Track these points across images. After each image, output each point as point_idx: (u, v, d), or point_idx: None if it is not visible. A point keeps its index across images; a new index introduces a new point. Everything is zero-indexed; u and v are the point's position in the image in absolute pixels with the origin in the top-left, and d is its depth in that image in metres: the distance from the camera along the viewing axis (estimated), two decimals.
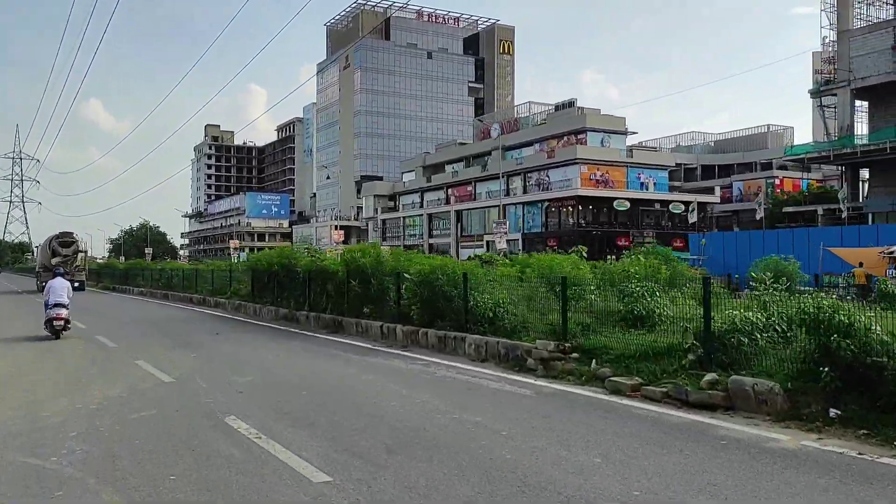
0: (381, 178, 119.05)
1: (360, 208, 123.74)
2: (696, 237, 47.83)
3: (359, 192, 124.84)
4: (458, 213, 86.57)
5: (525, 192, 78.97)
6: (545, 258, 15.62)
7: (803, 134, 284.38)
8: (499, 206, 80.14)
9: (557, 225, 72.09)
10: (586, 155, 72.43)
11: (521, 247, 74.02)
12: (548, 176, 76.57)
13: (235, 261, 72.42)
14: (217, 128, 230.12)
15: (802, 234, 42.70)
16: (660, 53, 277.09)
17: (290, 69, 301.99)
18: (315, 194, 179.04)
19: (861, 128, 52.80)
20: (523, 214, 75.95)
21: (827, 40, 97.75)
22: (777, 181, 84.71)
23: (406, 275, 14.91)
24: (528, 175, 79.77)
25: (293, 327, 18.41)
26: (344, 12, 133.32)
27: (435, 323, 13.86)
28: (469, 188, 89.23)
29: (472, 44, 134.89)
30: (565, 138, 78.03)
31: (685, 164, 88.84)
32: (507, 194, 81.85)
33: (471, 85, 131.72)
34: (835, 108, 54.38)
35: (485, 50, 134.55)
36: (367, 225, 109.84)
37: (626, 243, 69.60)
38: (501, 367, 11.51)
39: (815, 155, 53.24)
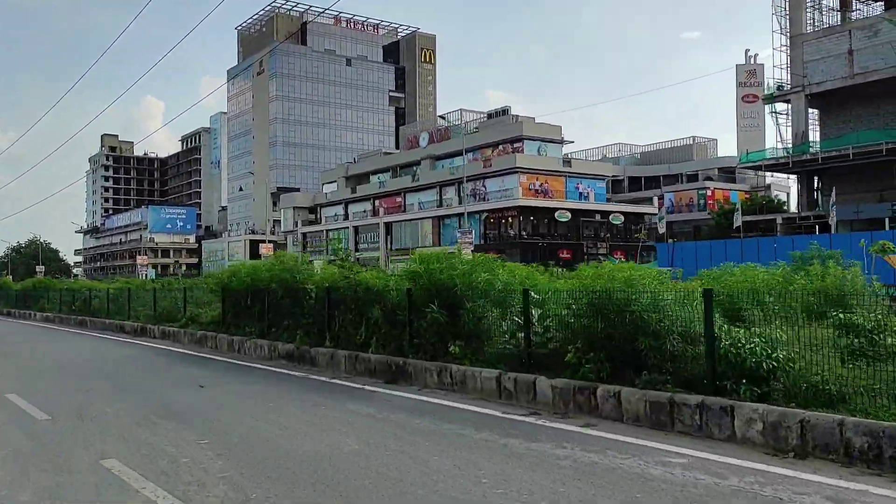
0: (297, 190, 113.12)
1: (276, 221, 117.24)
2: (664, 246, 45.15)
3: (275, 204, 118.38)
4: (388, 226, 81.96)
5: (460, 202, 75.20)
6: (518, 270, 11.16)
7: (727, 146, 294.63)
8: (432, 217, 76.34)
9: (497, 237, 68.61)
10: (525, 164, 69.44)
11: None
12: (484, 186, 73.17)
13: (143, 278, 65.34)
14: (115, 138, 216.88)
15: (768, 244, 40.91)
16: (559, 76, 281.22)
17: (189, 80, 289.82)
18: (224, 208, 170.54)
19: (813, 135, 51.72)
20: (460, 226, 71.99)
21: (750, 57, 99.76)
22: (709, 192, 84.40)
23: (535, 293, 9.67)
24: (463, 185, 76.07)
25: (311, 372, 12.56)
26: (256, 16, 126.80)
27: (623, 375, 8.16)
28: (398, 199, 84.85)
29: (391, 52, 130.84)
30: (500, 147, 74.85)
31: (612, 176, 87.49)
32: (440, 205, 78.11)
33: (391, 94, 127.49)
34: (786, 114, 53.12)
35: (405, 58, 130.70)
36: (286, 239, 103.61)
37: (568, 255, 67.01)
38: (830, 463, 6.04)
39: (773, 162, 51.76)
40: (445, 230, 74.47)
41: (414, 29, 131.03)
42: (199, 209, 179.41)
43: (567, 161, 72.94)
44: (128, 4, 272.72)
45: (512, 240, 66.96)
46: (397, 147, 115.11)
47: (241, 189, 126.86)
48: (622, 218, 71.07)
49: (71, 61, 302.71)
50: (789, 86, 51.55)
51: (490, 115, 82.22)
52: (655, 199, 75.41)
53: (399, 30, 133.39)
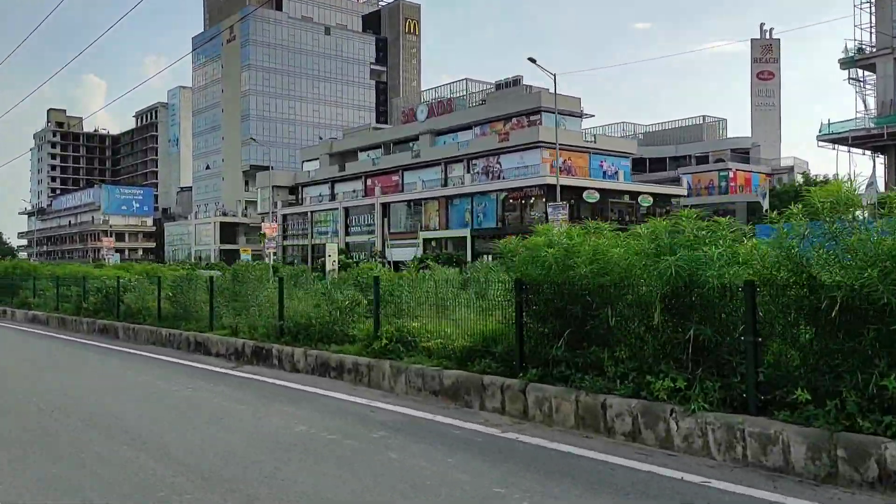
0: (270, 169, 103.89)
1: (249, 202, 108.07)
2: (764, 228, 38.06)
3: (247, 183, 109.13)
4: (385, 207, 73.89)
5: (470, 181, 67.65)
6: None
7: (738, 126, 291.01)
8: (439, 197, 68.75)
9: (519, 219, 61.19)
10: (549, 138, 62.00)
11: (469, 246, 62.91)
12: (499, 163, 65.70)
13: (109, 263, 56.17)
14: (62, 113, 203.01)
15: None
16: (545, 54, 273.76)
17: (135, 57, 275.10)
18: (184, 188, 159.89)
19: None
20: (472, 207, 64.52)
21: (766, 31, 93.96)
22: (731, 174, 78.50)
23: None
24: (473, 162, 68.56)
25: None
26: None
27: None
28: (395, 178, 76.85)
29: (371, 22, 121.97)
30: (514, 120, 67.43)
31: (636, 155, 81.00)
32: (445, 184, 70.46)
33: (373, 67, 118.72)
34: (863, 83, 46.69)
35: (387, 29, 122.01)
36: (263, 221, 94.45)
37: None
38: None
39: (863, 133, 45.25)
40: (454, 211, 66.92)
41: None
42: (156, 190, 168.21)
43: (592, 136, 65.76)
44: None
45: (536, 222, 59.55)
46: (378, 122, 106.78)
47: (208, 167, 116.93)
48: (651, 200, 64.38)
49: (16, 36, 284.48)
50: (874, 49, 45.19)
51: (499, 86, 74.59)
52: (684, 180, 69.00)
53: None
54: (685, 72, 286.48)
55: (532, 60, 36.16)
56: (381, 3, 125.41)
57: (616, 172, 65.82)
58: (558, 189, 48.76)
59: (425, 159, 72.81)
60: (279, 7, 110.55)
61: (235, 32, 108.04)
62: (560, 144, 62.60)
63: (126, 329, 15.91)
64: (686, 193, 68.48)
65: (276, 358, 11.06)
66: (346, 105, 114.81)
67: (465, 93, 76.85)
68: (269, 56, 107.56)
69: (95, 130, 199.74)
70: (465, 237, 64.10)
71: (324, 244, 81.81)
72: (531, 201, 61.33)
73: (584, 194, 59.90)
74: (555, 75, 37.66)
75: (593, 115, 67.86)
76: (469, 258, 57.16)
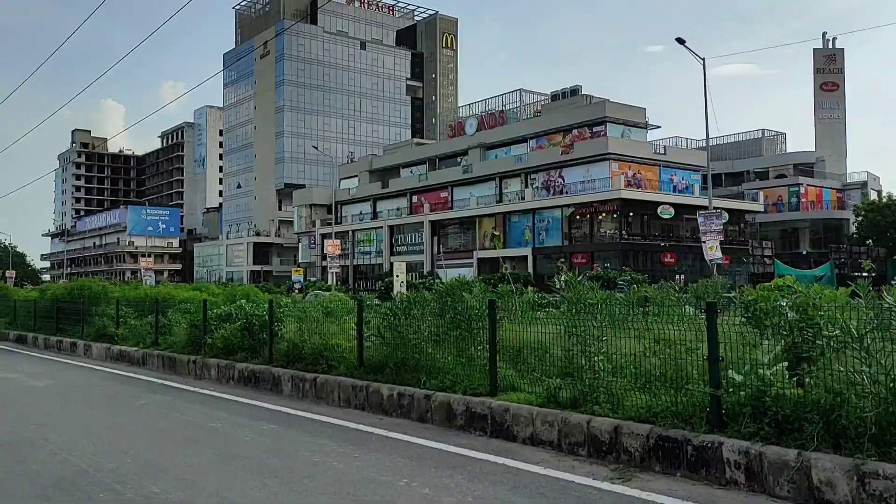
0: (304, 187, 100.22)
1: (281, 222, 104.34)
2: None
3: (280, 202, 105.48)
4: (435, 225, 69.64)
5: (527, 196, 63.32)
6: None
7: (799, 140, 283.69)
8: (495, 214, 64.48)
9: (588, 237, 56.68)
10: (619, 150, 57.74)
11: (531, 265, 58.42)
12: (561, 177, 61.28)
13: (146, 285, 52.11)
14: (87, 133, 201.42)
15: None
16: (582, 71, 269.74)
17: (152, 82, 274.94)
18: (210, 209, 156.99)
19: None
20: (533, 224, 60.07)
21: (828, 40, 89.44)
22: (802, 189, 73.64)
23: None
24: (532, 176, 64.23)
25: None
26: None
27: None
28: (444, 194, 72.63)
29: (406, 37, 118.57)
30: (575, 132, 63.11)
31: (706, 168, 76.43)
32: (500, 200, 66.19)
33: (409, 82, 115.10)
34: None
35: (424, 44, 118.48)
36: (300, 242, 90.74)
37: (672, 260, 55.54)
38: None
39: None
40: (512, 228, 62.50)
41: (433, 12, 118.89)
42: (182, 210, 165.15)
43: (662, 148, 61.29)
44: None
45: (607, 240, 55.08)
46: (413, 139, 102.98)
47: (239, 186, 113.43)
48: (727, 216, 59.48)
49: (37, 58, 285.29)
50: None
51: (555, 97, 70.51)
52: (761, 195, 64.24)
53: (416, 12, 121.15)
54: (717, 88, 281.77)
55: (680, 41, 31.84)
56: (416, 17, 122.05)
57: (687, 187, 61.22)
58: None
59: (478, 174, 68.59)
60: (314, 21, 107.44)
61: (270, 48, 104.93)
62: (629, 156, 58.41)
63: (296, 381, 10.49)
64: (763, 209, 63.74)
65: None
66: (381, 121, 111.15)
67: (517, 104, 72.73)
68: (303, 71, 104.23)
69: (120, 151, 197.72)
70: (526, 256, 59.65)
71: (367, 264, 78.14)
72: (600, 217, 56.82)
73: (659, 210, 55.32)
74: (704, 60, 33.28)
75: (659, 126, 63.46)
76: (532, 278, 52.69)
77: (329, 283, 42.60)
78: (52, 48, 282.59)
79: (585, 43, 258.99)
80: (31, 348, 20.23)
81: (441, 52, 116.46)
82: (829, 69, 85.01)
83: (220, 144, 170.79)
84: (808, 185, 73.80)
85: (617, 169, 57.57)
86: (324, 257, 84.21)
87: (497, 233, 60.23)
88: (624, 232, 53.98)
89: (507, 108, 73.34)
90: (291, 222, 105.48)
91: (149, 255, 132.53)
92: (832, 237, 69.83)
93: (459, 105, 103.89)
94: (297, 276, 54.01)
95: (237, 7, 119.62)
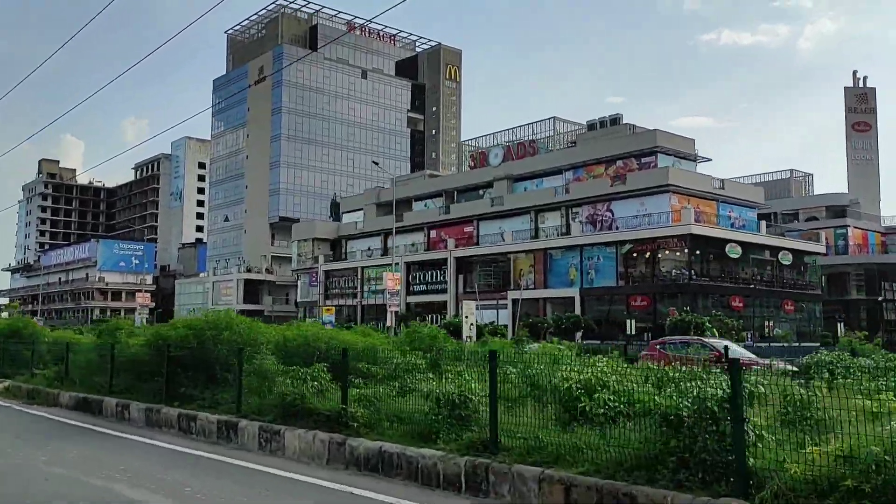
0: (298, 221, 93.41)
1: (274, 258, 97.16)
2: None
3: (273, 237, 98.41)
4: (461, 262, 63.40)
5: (567, 231, 57.60)
6: None
7: (827, 181, 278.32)
8: (531, 251, 58.51)
9: (649, 276, 50.83)
10: (680, 181, 52.44)
11: (579, 306, 52.31)
12: (610, 210, 55.66)
13: (141, 324, 44.65)
14: (55, 164, 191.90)
15: None
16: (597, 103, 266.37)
17: (109, 118, 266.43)
18: (184, 245, 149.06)
19: None
20: (581, 262, 54.11)
21: (859, 79, 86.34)
22: (850, 232, 69.12)
23: None
24: (574, 210, 58.56)
25: None
26: (255, 17, 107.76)
27: None
28: (467, 229, 66.63)
29: (407, 68, 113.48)
30: (620, 163, 57.82)
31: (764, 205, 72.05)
32: (535, 236, 60.34)
33: (410, 115, 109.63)
34: None
35: (426, 75, 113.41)
36: (299, 279, 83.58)
37: (741, 304, 49.97)
38: None
39: None
40: (554, 266, 56.53)
41: (435, 43, 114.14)
42: (156, 245, 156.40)
43: (719, 182, 56.16)
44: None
45: (674, 281, 49.23)
46: (412, 172, 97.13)
47: (227, 219, 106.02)
48: (791, 257, 54.48)
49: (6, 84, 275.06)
50: None
51: (591, 126, 65.36)
52: (823, 235, 59.31)
53: (417, 43, 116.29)
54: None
55: None
56: (418, 48, 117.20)
57: (744, 223, 56.08)
58: None
59: (509, 207, 62.75)
60: (313, 47, 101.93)
61: (266, 73, 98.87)
62: (690, 189, 53.14)
63: None
64: (826, 251, 58.77)
65: None
66: (381, 154, 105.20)
67: (550, 133, 67.48)
68: (302, 99, 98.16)
69: (90, 182, 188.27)
70: (573, 297, 53.52)
71: (380, 304, 71.06)
72: (660, 255, 51.13)
73: (727, 248, 49.83)
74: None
75: (710, 160, 58.45)
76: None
77: (389, 324, 36.10)
78: (22, 76, 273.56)
79: (557, 90, 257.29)
80: (113, 422, 13.20)
81: (444, 84, 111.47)
82: (860, 108, 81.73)
83: (200, 178, 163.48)
84: (854, 226, 69.36)
85: (676, 202, 52.20)
86: (327, 296, 77.38)
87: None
88: (693, 271, 48.25)
89: (538, 137, 67.95)
90: (285, 258, 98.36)
91: (108, 294, 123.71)
92: (884, 283, 65.38)
93: (465, 139, 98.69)
94: (328, 315, 47.15)
95: (229, 32, 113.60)
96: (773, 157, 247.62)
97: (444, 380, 8.82)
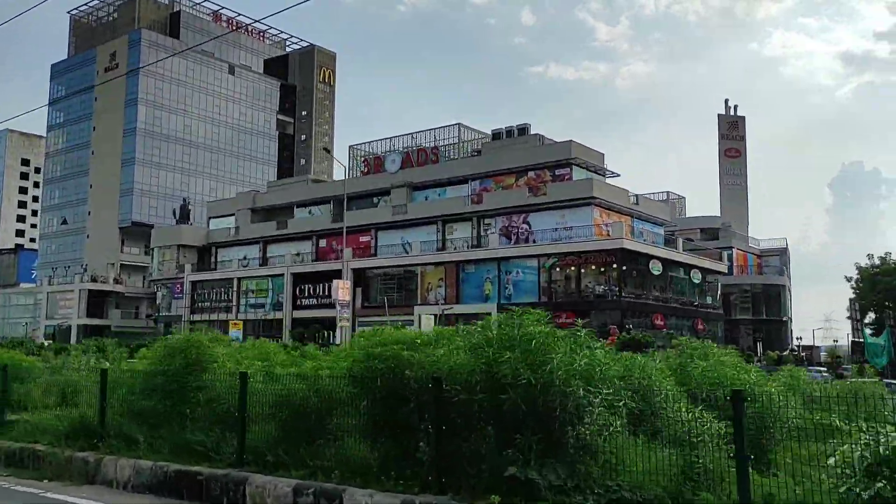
0: (151, 227, 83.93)
1: (123, 266, 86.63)
2: None
3: (123, 243, 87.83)
4: (359, 274, 58.23)
5: (478, 243, 54.42)
6: None
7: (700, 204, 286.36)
8: (440, 263, 54.75)
9: (574, 292, 48.44)
10: (603, 195, 50.74)
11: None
12: (526, 222, 53.02)
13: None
14: None
15: None
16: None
17: None
18: (2, 251, 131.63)
19: None
20: (499, 276, 50.88)
21: (730, 108, 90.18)
22: (734, 253, 71.12)
23: None
24: (486, 221, 55.39)
25: None
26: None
27: None
28: (363, 238, 61.69)
29: (276, 67, 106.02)
30: (532, 174, 55.50)
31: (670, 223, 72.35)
32: (442, 247, 56.72)
33: (279, 117, 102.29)
34: None
35: (298, 76, 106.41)
36: (158, 290, 74.29)
37: (662, 323, 49.00)
38: None
39: None
40: (467, 280, 52.92)
41: (307, 44, 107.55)
42: None
43: (634, 197, 55.17)
44: None
45: (600, 296, 47.13)
46: (279, 178, 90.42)
47: (64, 222, 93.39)
48: (700, 276, 54.37)
49: None
50: None
51: (497, 136, 62.67)
52: (725, 255, 59.97)
53: (287, 42, 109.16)
54: None
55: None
56: (288, 47, 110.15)
57: (654, 241, 55.44)
58: None
59: (414, 216, 58.55)
60: (175, 35, 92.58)
61: (119, 59, 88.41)
62: (610, 203, 51.65)
63: None
64: (728, 270, 59.46)
65: None
66: (247, 157, 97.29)
67: (455, 140, 64.12)
68: (161, 91, 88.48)
69: None
70: (490, 313, 49.87)
71: (256, 319, 63.89)
72: (583, 269, 48.91)
73: (650, 265, 48.57)
74: None
75: (618, 175, 57.52)
76: None
77: (339, 341, 30.42)
78: None
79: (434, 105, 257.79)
80: None
81: (317, 87, 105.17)
82: (732, 136, 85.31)
83: (24, 175, 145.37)
84: (738, 248, 71.50)
85: (598, 216, 50.44)
86: (193, 309, 69.05)
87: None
88: (618, 287, 46.35)
89: (440, 144, 64.40)
90: (135, 267, 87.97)
91: None
92: (771, 304, 67.65)
93: (354, 143, 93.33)
94: (235, 331, 40.48)
95: (73, 13, 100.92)
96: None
97: None
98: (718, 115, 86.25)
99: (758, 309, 67.19)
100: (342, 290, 32.59)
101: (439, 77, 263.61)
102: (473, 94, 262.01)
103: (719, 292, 58.30)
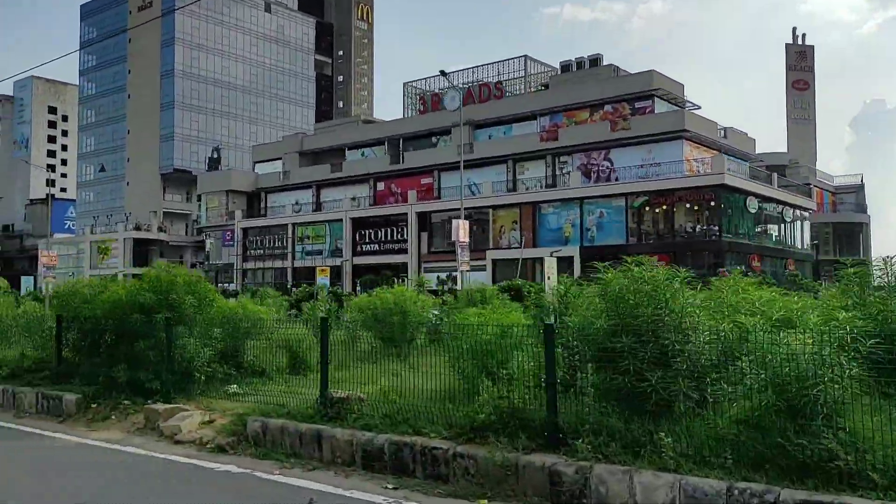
0: (190, 173, 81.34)
1: (166, 214, 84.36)
2: None
3: (165, 190, 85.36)
4: (423, 218, 55.36)
5: (553, 183, 51.17)
6: None
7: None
8: (518, 204, 51.64)
9: (667, 232, 45.28)
10: (696, 128, 47.15)
11: (577, 266, 45.96)
12: (608, 159, 49.52)
13: (46, 287, 33.45)
14: None
15: None
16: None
17: None
18: (32, 202, 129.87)
19: None
20: (581, 218, 47.72)
21: (798, 36, 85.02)
22: (812, 189, 67.19)
23: None
24: (561, 159, 51.99)
25: None
26: None
27: None
28: (425, 180, 58.55)
29: (310, 4, 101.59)
30: (609, 107, 51.68)
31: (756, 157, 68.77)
32: (514, 188, 53.53)
33: (317, 57, 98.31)
34: None
35: (334, 13, 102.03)
36: (207, 238, 71.95)
37: (759, 265, 45.72)
38: None
39: None
40: (543, 222, 49.86)
41: None
42: None
43: (723, 131, 51.50)
44: None
45: (700, 238, 44.00)
46: (318, 123, 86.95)
47: (102, 169, 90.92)
48: (791, 214, 50.97)
49: None
50: None
51: (566, 68, 58.76)
52: (814, 190, 56.41)
53: None
54: None
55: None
56: None
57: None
58: None
59: (481, 155, 55.20)
60: None
61: None
62: (701, 136, 48.03)
63: None
64: (813, 207, 55.98)
65: None
66: (286, 99, 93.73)
67: (520, 73, 60.33)
68: (198, 30, 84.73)
69: None
70: (572, 257, 46.95)
71: (314, 267, 61.20)
72: (676, 208, 45.61)
73: (748, 202, 45.20)
74: None
75: (700, 107, 53.57)
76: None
77: (460, 287, 27.63)
78: None
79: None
80: None
81: (355, 26, 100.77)
82: (800, 66, 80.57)
83: (51, 124, 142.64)
84: (815, 185, 67.58)
85: (689, 152, 46.90)
86: (245, 257, 66.71)
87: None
88: (718, 227, 43.14)
89: (504, 78, 60.64)
90: (178, 215, 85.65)
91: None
92: (853, 243, 64.24)
93: (409, 81, 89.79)
94: (323, 277, 37.97)
95: None
96: None
97: None
98: (786, 45, 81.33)
99: (840, 248, 63.80)
100: (462, 230, 29.64)
101: (455, 23, 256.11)
102: (489, 41, 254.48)
103: (809, 232, 54.94)
